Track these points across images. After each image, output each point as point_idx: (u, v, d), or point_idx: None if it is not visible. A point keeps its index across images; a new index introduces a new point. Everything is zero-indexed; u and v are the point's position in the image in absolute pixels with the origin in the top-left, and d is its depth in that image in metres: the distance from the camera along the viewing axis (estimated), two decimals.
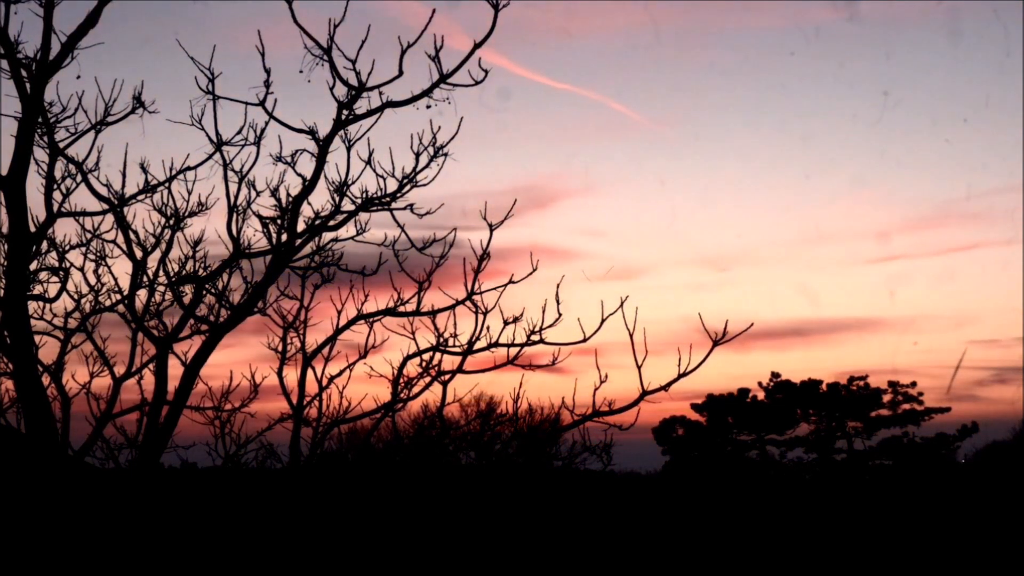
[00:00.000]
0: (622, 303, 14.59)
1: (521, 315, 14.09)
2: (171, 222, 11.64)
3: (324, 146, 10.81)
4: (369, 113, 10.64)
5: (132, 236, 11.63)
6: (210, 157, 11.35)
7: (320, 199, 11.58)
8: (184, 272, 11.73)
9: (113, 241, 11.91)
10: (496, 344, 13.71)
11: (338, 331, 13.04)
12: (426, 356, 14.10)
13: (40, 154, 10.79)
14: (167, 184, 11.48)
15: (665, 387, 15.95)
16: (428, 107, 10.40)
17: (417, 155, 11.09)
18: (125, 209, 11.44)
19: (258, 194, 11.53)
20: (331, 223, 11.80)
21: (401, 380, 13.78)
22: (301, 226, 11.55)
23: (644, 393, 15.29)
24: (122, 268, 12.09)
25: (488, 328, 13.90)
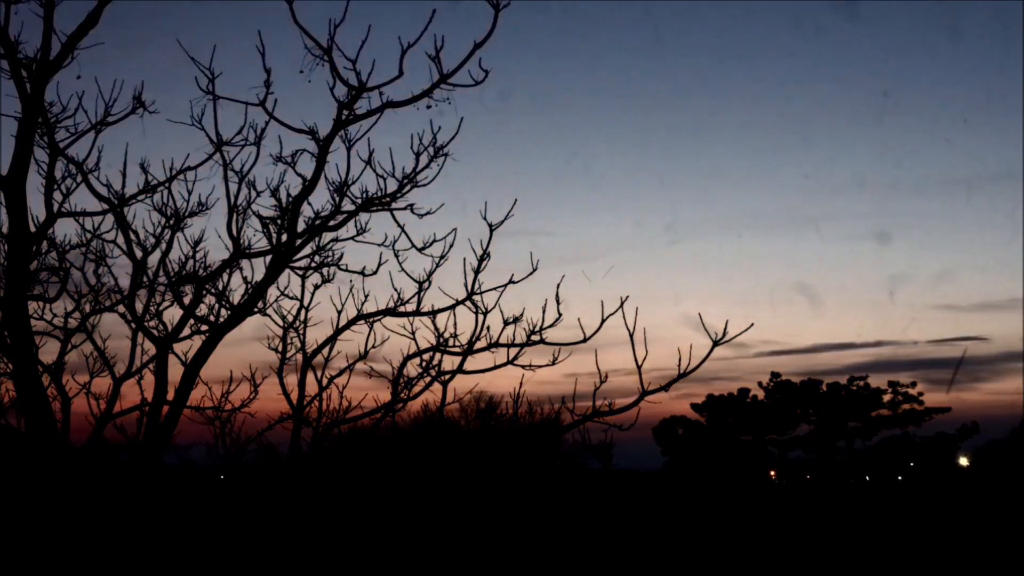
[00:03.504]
0: (622, 303, 14.59)
1: (521, 315, 14.10)
2: (171, 222, 11.65)
3: (324, 146, 10.82)
4: (369, 113, 10.65)
5: (132, 236, 11.64)
6: (210, 157, 11.37)
7: (320, 199, 11.58)
8: (184, 272, 11.73)
9: (113, 241, 11.92)
10: (496, 344, 13.72)
11: (338, 331, 13.04)
12: (426, 356, 14.11)
13: (40, 154, 10.80)
14: (167, 184, 11.50)
15: (665, 387, 15.97)
16: (428, 107, 10.42)
17: (417, 155, 11.11)
18: (125, 209, 11.46)
19: (258, 194, 11.55)
20: (331, 223, 11.82)
21: (401, 380, 13.79)
22: (301, 226, 11.57)
23: (644, 393, 15.29)
24: (122, 268, 12.11)
25: (488, 328, 13.92)
